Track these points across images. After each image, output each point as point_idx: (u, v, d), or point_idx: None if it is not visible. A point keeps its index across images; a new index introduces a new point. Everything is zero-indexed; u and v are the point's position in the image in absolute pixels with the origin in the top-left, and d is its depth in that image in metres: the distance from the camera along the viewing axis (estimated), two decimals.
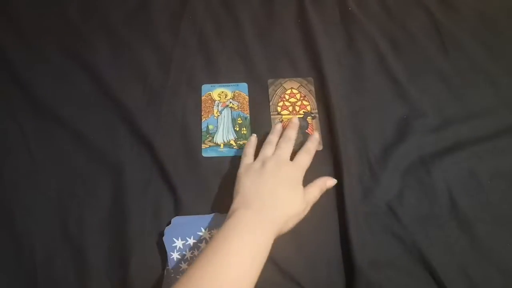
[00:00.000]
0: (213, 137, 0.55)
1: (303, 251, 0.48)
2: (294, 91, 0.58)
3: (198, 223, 0.48)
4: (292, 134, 0.51)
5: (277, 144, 0.50)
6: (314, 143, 0.51)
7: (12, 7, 0.65)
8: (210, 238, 0.47)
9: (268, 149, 0.49)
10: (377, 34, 0.62)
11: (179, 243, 0.46)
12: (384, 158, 0.52)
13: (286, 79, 0.59)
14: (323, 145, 0.54)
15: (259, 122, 0.56)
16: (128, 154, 0.53)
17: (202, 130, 0.55)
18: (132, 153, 0.53)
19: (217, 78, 0.59)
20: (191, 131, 0.55)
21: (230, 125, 0.56)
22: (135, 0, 0.66)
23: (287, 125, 0.53)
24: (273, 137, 0.51)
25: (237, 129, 0.56)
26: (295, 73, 0.60)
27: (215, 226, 0.47)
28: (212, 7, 0.65)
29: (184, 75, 0.59)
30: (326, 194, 0.50)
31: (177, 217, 0.48)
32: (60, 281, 0.46)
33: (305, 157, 0.48)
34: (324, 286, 0.46)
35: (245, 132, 0.55)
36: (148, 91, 0.57)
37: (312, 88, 0.58)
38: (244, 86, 0.59)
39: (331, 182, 0.49)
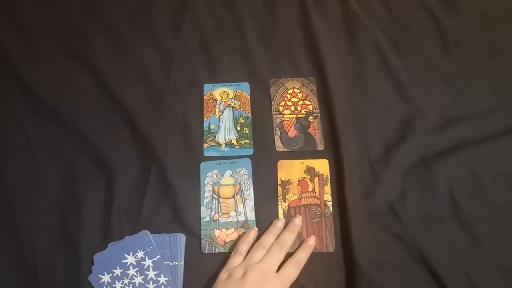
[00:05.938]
0: (214, 137, 0.55)
1: None
2: (296, 90, 0.58)
3: (121, 251, 0.46)
4: (289, 240, 0.46)
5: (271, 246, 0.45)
6: (307, 252, 0.46)
7: (13, 6, 0.64)
8: (136, 261, 0.45)
9: (256, 254, 0.44)
10: (379, 33, 0.62)
11: (106, 278, 0.45)
12: (386, 158, 0.52)
13: (288, 78, 0.59)
14: (325, 145, 0.54)
15: (261, 122, 0.56)
16: (129, 154, 0.53)
17: (204, 129, 0.55)
18: (133, 153, 0.53)
19: (218, 78, 0.59)
20: (192, 130, 0.55)
21: (232, 124, 0.56)
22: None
23: (288, 225, 0.48)
24: (267, 239, 0.46)
25: (239, 128, 0.55)
26: (297, 73, 0.60)
27: (140, 247, 0.46)
28: (214, 6, 0.65)
29: (186, 75, 0.59)
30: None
31: (97, 254, 0.46)
32: (60, 281, 0.46)
33: (293, 270, 0.43)
34: (324, 286, 0.46)
35: (246, 131, 0.55)
36: (149, 90, 0.57)
37: (314, 88, 0.58)
38: (245, 85, 0.59)
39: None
